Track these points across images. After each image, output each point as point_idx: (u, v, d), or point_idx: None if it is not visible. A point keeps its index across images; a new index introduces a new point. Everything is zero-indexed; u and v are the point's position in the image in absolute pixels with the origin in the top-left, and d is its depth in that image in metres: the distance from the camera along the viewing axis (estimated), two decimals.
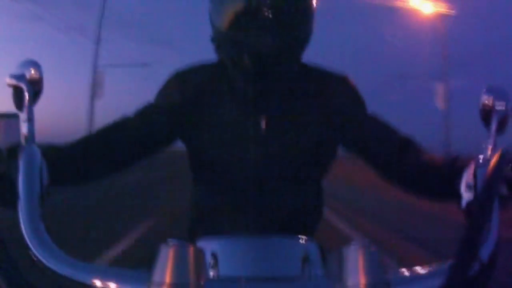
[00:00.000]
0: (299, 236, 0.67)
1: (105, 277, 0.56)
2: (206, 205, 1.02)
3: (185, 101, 0.98)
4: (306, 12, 0.93)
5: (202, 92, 0.98)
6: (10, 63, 0.74)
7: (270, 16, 0.87)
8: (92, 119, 17.45)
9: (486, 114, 0.70)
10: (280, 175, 0.96)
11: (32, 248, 0.58)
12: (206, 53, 1.02)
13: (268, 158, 0.95)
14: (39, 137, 0.70)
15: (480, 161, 0.68)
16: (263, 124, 0.95)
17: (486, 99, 0.70)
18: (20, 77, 0.70)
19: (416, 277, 0.58)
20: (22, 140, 0.68)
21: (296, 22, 0.91)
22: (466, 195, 0.68)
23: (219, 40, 0.95)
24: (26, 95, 0.69)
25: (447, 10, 16.61)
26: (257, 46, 0.88)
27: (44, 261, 0.57)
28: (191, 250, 0.54)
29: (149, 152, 0.99)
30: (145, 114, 0.99)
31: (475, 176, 0.67)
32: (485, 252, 0.57)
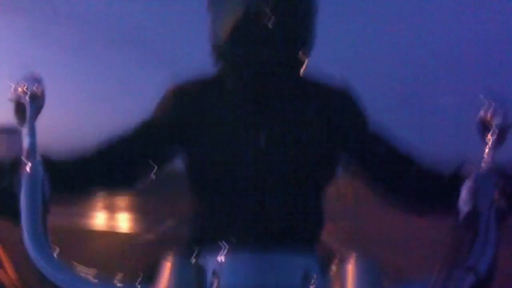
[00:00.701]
0: (300, 250, 0.67)
1: None
2: (206, 219, 1.01)
3: (183, 114, 0.97)
4: (307, 25, 0.92)
5: (200, 106, 0.97)
6: (11, 77, 0.73)
7: (270, 30, 0.86)
8: None
9: (484, 126, 0.70)
10: (279, 189, 0.94)
11: (37, 264, 0.58)
12: None
13: (267, 172, 0.94)
14: None
15: (479, 173, 0.67)
16: (262, 138, 0.94)
17: (484, 111, 0.70)
18: (21, 91, 0.70)
19: None
20: (24, 155, 0.68)
21: (297, 36, 0.90)
22: (464, 208, 0.67)
23: (218, 54, 0.94)
24: (28, 109, 0.69)
25: None
26: (256, 60, 0.87)
27: (49, 277, 0.57)
28: (191, 265, 0.54)
29: (150, 169, 0.97)
30: (143, 129, 0.97)
31: (473, 188, 0.67)
32: (482, 266, 0.57)
